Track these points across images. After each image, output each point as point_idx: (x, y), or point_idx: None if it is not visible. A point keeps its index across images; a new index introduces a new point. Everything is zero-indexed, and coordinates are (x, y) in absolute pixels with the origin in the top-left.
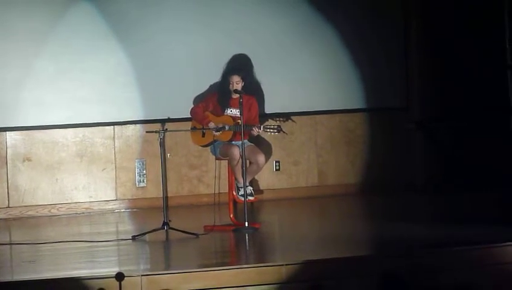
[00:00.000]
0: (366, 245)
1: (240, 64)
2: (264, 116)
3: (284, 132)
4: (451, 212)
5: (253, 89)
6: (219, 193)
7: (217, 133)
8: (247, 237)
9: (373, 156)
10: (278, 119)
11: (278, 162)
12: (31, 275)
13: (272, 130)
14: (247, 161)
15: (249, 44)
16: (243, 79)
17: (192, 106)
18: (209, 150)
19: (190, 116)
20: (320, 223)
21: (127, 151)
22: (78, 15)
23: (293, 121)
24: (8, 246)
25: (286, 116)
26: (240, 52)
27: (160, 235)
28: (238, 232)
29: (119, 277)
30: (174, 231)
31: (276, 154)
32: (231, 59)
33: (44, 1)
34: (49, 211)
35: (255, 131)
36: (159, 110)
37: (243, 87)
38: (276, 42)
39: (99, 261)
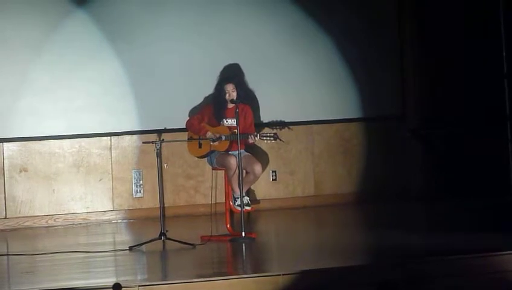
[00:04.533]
0: (363, 255)
1: (232, 73)
2: (260, 125)
3: (280, 140)
4: (447, 221)
5: (246, 97)
6: (216, 203)
7: (214, 143)
8: (244, 247)
9: (369, 165)
10: (274, 127)
11: (275, 171)
12: (28, 286)
13: (268, 138)
14: (244, 171)
15: (245, 54)
16: (237, 87)
17: (187, 117)
18: (206, 160)
19: (186, 128)
20: (317, 232)
21: (124, 162)
22: (73, 25)
23: (289, 128)
24: (5, 257)
25: (282, 124)
26: (236, 62)
27: (157, 245)
28: (235, 242)
29: (117, 287)
30: (171, 241)
31: (272, 164)
32: (222, 70)
33: (40, 11)
34: (46, 221)
35: (251, 139)
36: (155, 120)
37: (236, 96)
38: (272, 52)
39: (96, 271)
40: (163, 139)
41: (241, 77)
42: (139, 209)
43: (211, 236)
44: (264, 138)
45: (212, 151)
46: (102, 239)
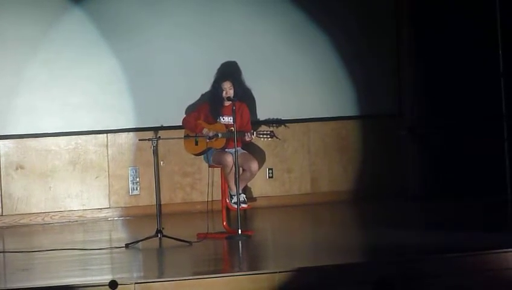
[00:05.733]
0: (359, 252)
1: (229, 71)
2: (256, 123)
3: (277, 138)
4: (443, 219)
5: (243, 95)
6: (212, 200)
7: (210, 141)
8: (240, 245)
9: (366, 163)
10: (271, 125)
11: (271, 169)
12: (25, 283)
13: (264, 136)
14: (240, 168)
15: (242, 52)
16: (234, 85)
17: (184, 115)
18: (203, 158)
19: (182, 125)
20: (313, 230)
21: (120, 159)
22: (70, 22)
23: (285, 126)
24: (2, 254)
25: (279, 122)
26: (233, 60)
27: (154, 243)
28: (231, 240)
29: (113, 284)
30: (167, 238)
31: (269, 161)
32: (220, 67)
33: (37, 8)
34: (43, 219)
35: (248, 137)
36: (151, 118)
37: (233, 94)
38: (269, 50)
39: (92, 269)
40: (159, 137)
41: (238, 75)
42: (135, 206)
43: (207, 234)
44: (261, 136)
45: (208, 149)
46: (99, 236)
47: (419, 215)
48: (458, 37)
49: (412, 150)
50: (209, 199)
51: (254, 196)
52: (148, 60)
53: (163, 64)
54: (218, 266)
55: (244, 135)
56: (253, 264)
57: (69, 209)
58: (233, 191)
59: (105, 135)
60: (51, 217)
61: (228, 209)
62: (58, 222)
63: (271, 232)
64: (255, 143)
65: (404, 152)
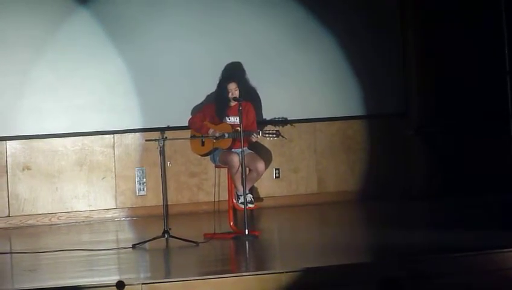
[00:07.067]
0: (366, 252)
1: (234, 71)
2: (262, 123)
3: (283, 137)
4: (450, 219)
5: (248, 95)
6: (219, 200)
7: (217, 141)
8: (247, 245)
9: (372, 163)
10: (277, 124)
11: (278, 169)
12: (32, 284)
13: (270, 135)
14: (247, 169)
15: (247, 52)
16: (239, 86)
17: (190, 115)
18: (209, 158)
19: (188, 126)
20: (320, 230)
21: (127, 160)
22: (76, 23)
23: (292, 125)
24: (9, 255)
25: (285, 121)
26: (238, 61)
27: (161, 243)
28: (238, 240)
29: (120, 285)
30: (174, 239)
31: (275, 161)
32: (224, 68)
33: (43, 9)
34: (49, 220)
35: (254, 138)
36: (158, 118)
37: (239, 94)
38: (275, 51)
39: (99, 269)
40: (166, 137)
41: (242, 75)
42: (142, 207)
43: (214, 234)
44: (267, 135)
45: (215, 149)
46: (106, 237)
47: (426, 215)
48: (464, 36)
49: (418, 149)
50: (216, 199)
51: (261, 196)
52: (154, 61)
53: (169, 65)
54: (225, 266)
55: (250, 135)
56: (260, 264)
57: (75, 210)
58: (240, 191)
59: (111, 135)
60: (57, 218)
61: (235, 210)
62: (65, 223)
63: (278, 232)
64: (262, 143)
65: (410, 152)
